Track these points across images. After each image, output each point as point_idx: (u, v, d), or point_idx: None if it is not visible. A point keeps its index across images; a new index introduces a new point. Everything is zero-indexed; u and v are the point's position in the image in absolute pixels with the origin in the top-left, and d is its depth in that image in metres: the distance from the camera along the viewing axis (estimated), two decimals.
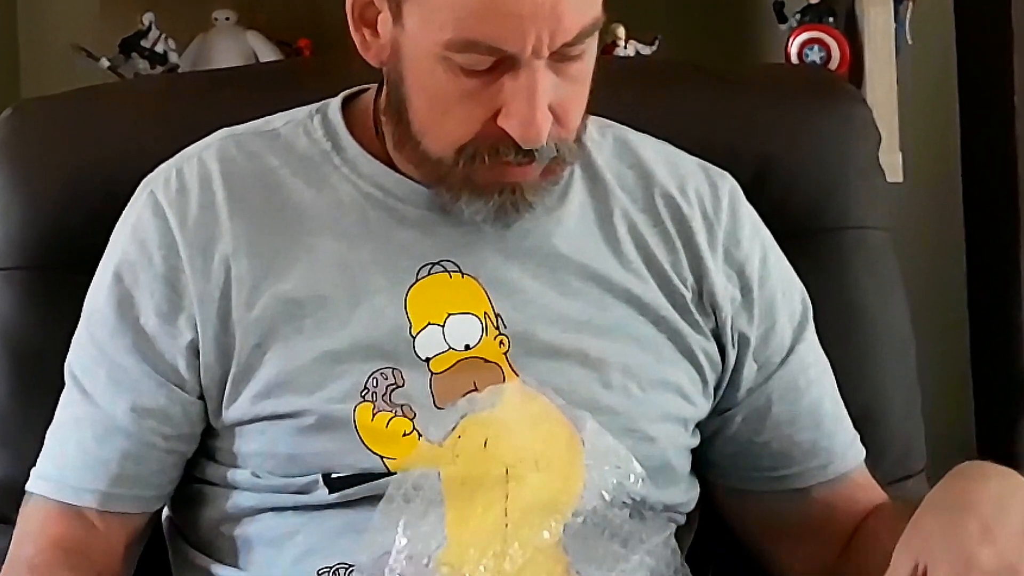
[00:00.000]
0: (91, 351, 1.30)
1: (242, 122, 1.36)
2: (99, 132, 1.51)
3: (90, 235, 1.38)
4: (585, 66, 1.23)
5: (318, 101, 1.36)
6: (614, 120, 1.39)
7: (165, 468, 1.29)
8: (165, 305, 1.27)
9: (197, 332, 1.26)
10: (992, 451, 2.22)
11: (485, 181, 1.23)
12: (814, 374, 1.37)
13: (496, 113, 1.20)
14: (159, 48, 2.04)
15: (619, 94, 1.48)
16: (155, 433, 1.27)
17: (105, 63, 2.02)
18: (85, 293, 1.33)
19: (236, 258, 1.27)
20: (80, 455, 1.28)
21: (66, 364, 1.31)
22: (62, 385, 1.32)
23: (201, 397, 1.28)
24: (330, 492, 1.24)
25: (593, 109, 1.39)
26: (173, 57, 2.04)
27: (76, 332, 1.32)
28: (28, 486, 1.31)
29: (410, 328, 1.26)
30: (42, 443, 1.32)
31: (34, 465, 1.31)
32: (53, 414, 1.32)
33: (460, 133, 1.22)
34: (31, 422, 1.36)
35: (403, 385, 1.24)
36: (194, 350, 1.27)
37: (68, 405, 1.31)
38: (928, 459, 1.60)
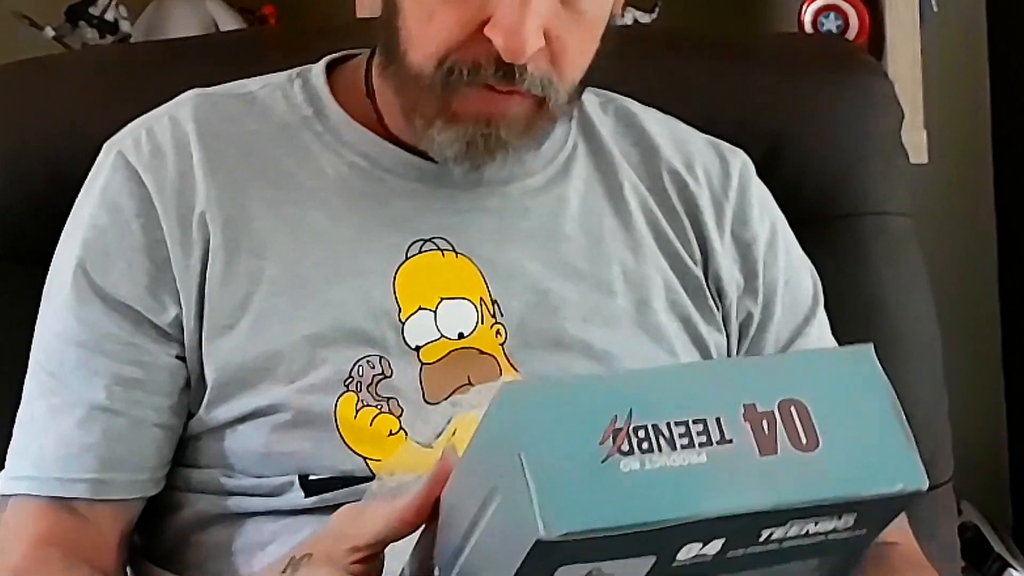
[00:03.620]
0: (56, 331, 1.27)
1: None
2: (43, 108, 1.50)
3: (32, 221, 1.38)
4: (595, 5, 1.22)
5: None
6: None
7: (160, 446, 1.27)
8: (145, 278, 1.25)
9: (181, 307, 1.25)
10: None
11: (463, 109, 1.22)
12: None
13: (484, 24, 1.19)
14: (109, 16, 2.03)
15: (614, 66, 1.47)
16: (144, 406, 1.25)
17: (50, 32, 2.01)
18: (27, 284, 1.32)
19: (213, 228, 1.26)
20: (63, 446, 1.25)
21: (31, 354, 1.29)
22: (4, 379, 1.31)
23: (184, 363, 1.26)
24: (306, 495, 1.23)
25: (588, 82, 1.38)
26: (125, 26, 2.04)
27: (38, 318, 1.30)
28: (1, 490, 1.27)
29: (399, 312, 1.25)
30: None
31: None
32: None
33: (443, 38, 1.21)
34: None
35: (391, 376, 1.23)
36: (178, 325, 1.25)
37: (39, 397, 1.27)
38: (955, 468, 1.60)
